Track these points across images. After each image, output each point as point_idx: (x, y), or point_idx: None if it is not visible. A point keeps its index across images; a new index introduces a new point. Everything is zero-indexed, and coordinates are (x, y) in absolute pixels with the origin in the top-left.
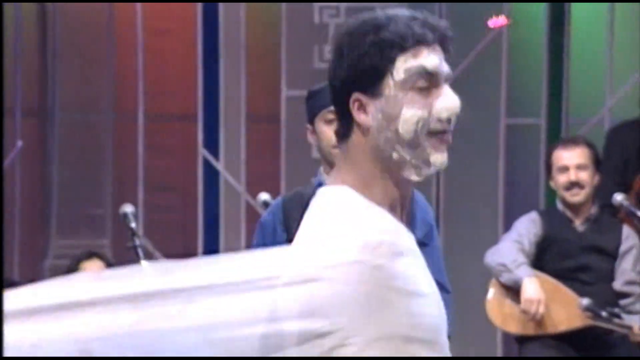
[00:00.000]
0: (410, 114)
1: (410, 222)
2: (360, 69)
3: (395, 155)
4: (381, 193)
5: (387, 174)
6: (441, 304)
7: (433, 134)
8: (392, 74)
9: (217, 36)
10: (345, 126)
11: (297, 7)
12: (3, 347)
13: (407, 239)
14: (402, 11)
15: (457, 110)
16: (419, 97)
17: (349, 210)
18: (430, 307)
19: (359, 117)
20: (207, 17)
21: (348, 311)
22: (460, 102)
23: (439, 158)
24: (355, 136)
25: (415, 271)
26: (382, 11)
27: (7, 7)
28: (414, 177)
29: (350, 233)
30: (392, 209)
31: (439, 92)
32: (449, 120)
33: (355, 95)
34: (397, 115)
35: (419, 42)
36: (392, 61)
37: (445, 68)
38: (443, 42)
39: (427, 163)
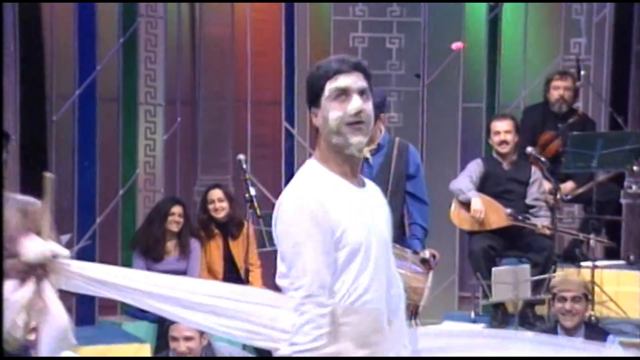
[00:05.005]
0: (332, 115)
1: (406, 163)
2: (310, 92)
3: (334, 141)
4: (333, 164)
5: (336, 153)
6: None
7: (350, 124)
8: (324, 92)
9: (293, 54)
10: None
11: (340, 36)
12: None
13: (351, 192)
14: (335, 56)
15: (355, 109)
16: (337, 104)
17: (304, 173)
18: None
19: (314, 121)
20: (287, 41)
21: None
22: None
23: (354, 139)
24: (319, 130)
25: (343, 210)
26: (325, 59)
27: (170, 27)
28: (355, 154)
29: (294, 186)
30: (343, 174)
31: (349, 100)
32: (357, 114)
33: (312, 108)
34: (327, 116)
35: (337, 72)
36: (323, 85)
37: (356, 84)
38: (359, 69)
39: (349, 144)
